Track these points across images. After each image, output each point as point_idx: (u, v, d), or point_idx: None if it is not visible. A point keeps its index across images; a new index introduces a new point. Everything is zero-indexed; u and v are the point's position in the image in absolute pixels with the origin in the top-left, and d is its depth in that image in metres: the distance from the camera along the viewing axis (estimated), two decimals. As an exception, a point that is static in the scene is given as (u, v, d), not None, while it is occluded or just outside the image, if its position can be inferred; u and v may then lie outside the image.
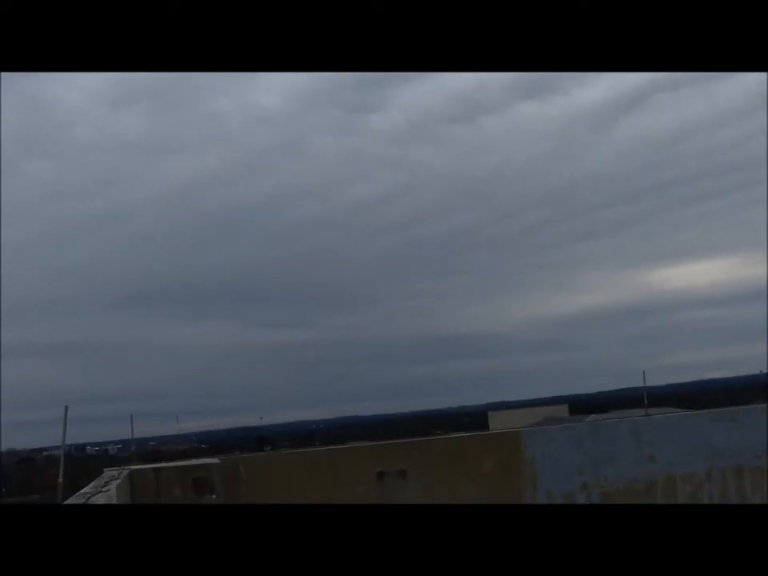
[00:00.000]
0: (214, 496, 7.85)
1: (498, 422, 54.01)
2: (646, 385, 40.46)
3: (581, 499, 6.25)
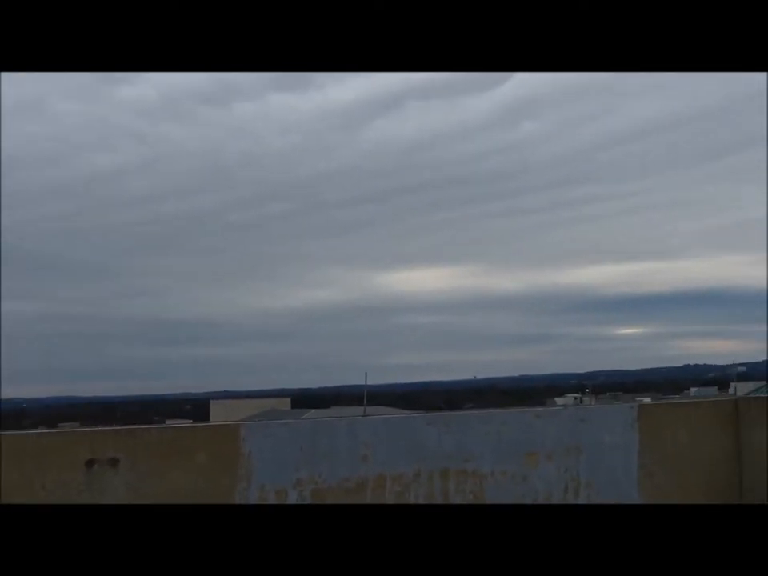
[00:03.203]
0: None
1: (220, 411, 54.04)
2: (367, 383, 43.84)
3: (293, 495, 6.29)
